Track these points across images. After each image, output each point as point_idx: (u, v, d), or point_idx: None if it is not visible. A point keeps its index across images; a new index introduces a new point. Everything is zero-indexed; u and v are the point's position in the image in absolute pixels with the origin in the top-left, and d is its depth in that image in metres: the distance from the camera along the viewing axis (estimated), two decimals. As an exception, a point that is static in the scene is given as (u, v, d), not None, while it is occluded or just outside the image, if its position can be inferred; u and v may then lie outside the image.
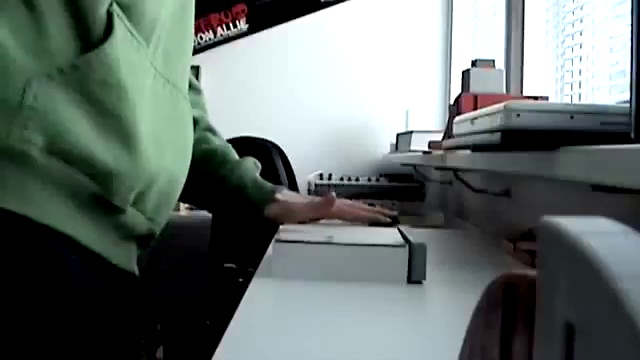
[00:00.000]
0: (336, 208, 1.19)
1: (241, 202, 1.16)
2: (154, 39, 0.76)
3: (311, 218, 1.18)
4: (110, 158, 0.69)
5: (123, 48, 0.70)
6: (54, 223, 0.66)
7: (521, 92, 1.75)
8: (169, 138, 0.80)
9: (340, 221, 1.21)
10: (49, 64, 0.66)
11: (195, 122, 1.05)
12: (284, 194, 1.17)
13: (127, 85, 0.70)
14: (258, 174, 1.19)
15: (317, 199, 1.22)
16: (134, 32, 0.72)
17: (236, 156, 1.19)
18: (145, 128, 0.73)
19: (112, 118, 0.70)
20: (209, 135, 1.17)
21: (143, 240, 0.81)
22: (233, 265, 2.39)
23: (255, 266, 0.86)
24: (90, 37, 0.69)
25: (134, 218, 0.75)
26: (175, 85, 0.83)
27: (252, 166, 1.18)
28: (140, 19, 0.73)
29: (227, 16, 3.10)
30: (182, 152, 0.85)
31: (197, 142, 1.02)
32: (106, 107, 0.69)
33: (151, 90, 0.76)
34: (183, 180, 0.86)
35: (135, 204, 0.74)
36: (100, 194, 0.69)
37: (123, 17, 0.71)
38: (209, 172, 1.15)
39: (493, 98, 1.27)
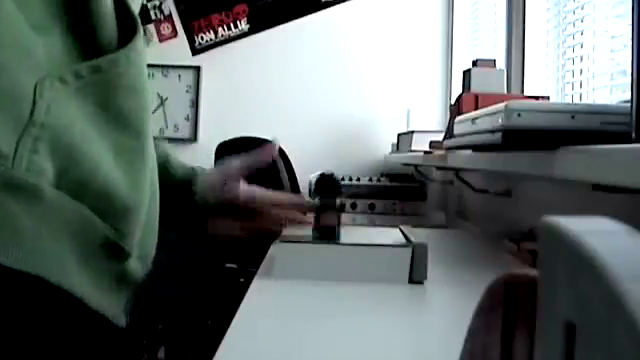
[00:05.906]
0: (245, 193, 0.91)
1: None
2: None
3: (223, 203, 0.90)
4: (126, 190, 0.55)
5: (142, 47, 0.59)
6: (64, 283, 0.50)
7: (522, 92, 1.75)
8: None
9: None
10: (61, 64, 0.52)
11: None
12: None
13: (147, 93, 0.58)
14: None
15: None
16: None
17: None
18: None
19: (134, 137, 0.56)
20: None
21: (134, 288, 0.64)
22: (234, 265, 2.40)
23: (256, 266, 0.86)
24: (118, 32, 0.56)
25: (134, 264, 0.60)
26: None
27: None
28: None
29: (228, 16, 3.10)
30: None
31: None
32: (129, 122, 0.56)
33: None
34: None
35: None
36: (112, 240, 0.54)
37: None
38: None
39: (494, 98, 1.26)
